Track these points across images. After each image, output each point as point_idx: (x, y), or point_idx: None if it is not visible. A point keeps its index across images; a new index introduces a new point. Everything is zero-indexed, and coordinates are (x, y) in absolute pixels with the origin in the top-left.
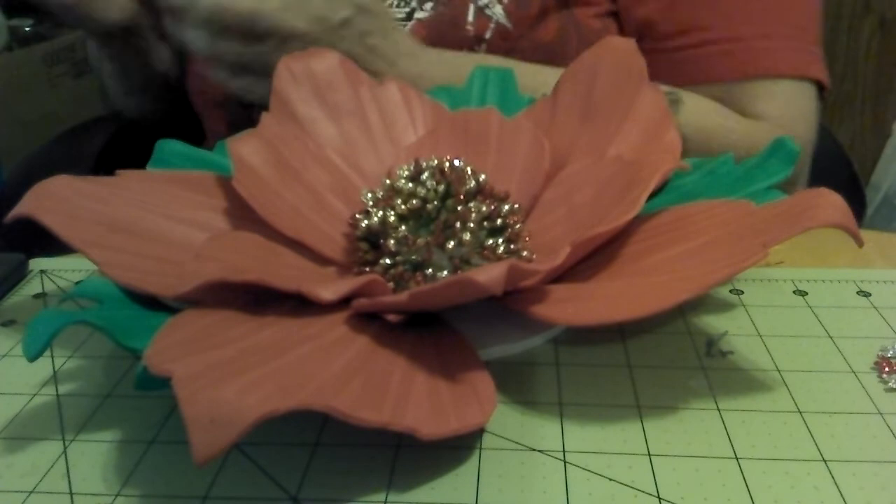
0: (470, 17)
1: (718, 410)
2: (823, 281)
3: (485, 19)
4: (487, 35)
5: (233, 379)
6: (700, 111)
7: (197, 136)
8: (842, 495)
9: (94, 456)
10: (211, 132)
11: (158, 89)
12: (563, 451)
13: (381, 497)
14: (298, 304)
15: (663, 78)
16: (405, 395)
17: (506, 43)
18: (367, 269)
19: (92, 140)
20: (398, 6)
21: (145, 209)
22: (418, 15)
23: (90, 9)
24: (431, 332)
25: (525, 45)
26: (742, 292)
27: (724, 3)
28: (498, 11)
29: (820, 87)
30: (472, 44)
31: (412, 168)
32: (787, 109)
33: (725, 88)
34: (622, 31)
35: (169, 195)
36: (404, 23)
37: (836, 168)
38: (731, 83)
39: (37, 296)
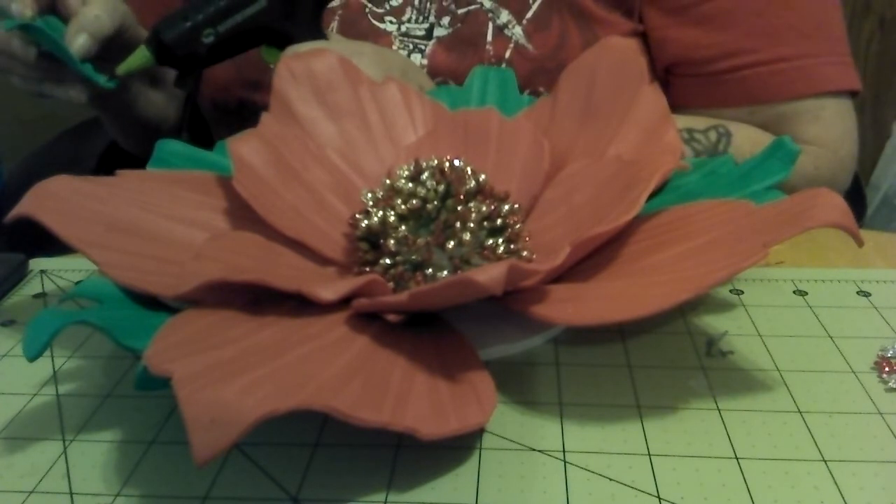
0: (489, 37)
1: (718, 410)
2: (823, 281)
3: (504, 39)
4: (507, 55)
5: (233, 379)
6: (751, 141)
7: (205, 141)
8: (842, 495)
9: (94, 456)
10: (220, 138)
11: (164, 134)
12: (563, 451)
13: (381, 497)
14: (298, 304)
15: (703, 102)
16: (405, 395)
17: (529, 64)
18: (367, 269)
19: (92, 140)
20: (417, 22)
21: (145, 209)
22: (438, 32)
23: (87, 24)
24: (431, 332)
25: (551, 66)
26: (742, 292)
27: (767, 24)
28: (518, 32)
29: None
30: (490, 63)
31: (412, 168)
32: (833, 131)
33: (769, 111)
34: (649, 53)
35: (169, 195)
36: (424, 42)
37: None
38: (778, 104)
39: (37, 296)
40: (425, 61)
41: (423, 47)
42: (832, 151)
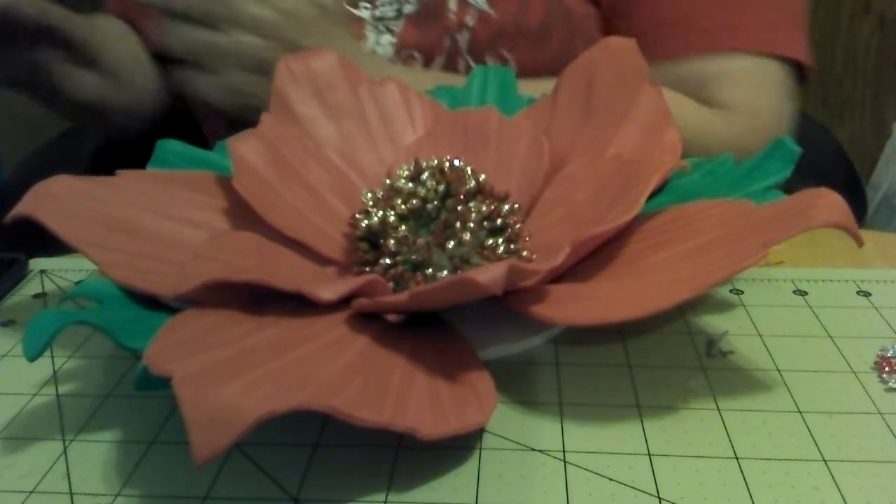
0: (451, 6)
1: (718, 410)
2: (823, 281)
3: (466, 6)
4: (469, 22)
5: (233, 379)
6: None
7: (197, 141)
8: (842, 495)
9: (94, 456)
10: (212, 136)
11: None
12: (563, 451)
13: (381, 497)
14: (298, 304)
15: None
16: (405, 395)
17: (490, 28)
18: (367, 269)
19: (91, 140)
20: (389, 4)
21: (145, 209)
22: (406, 9)
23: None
24: (431, 332)
25: (511, 30)
26: (742, 292)
27: None
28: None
29: (800, 68)
30: (454, 31)
31: (412, 168)
32: (752, 96)
33: (680, 69)
34: (601, 16)
35: (169, 195)
36: (394, 23)
37: (836, 168)
38: (685, 61)
39: (37, 296)
40: (395, 40)
41: (393, 28)
42: (752, 118)
